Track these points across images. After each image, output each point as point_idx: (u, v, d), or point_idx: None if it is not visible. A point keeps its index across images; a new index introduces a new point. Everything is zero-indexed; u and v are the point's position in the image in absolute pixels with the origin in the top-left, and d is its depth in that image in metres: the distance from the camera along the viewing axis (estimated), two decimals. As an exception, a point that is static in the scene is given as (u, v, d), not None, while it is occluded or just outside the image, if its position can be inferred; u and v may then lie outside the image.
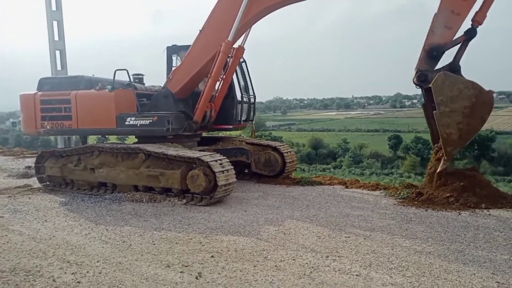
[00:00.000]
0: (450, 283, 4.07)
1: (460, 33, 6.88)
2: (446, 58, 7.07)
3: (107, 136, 11.83)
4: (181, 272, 4.43)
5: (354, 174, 46.95)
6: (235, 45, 8.65)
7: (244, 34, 8.85)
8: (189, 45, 8.98)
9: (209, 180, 7.23)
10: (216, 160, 7.37)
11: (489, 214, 6.53)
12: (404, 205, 7.18)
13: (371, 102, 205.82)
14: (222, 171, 7.24)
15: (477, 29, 6.87)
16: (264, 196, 8.20)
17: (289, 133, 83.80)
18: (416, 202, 7.27)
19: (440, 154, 7.21)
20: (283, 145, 10.22)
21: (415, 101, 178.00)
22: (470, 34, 6.77)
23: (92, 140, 15.29)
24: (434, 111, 6.60)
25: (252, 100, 10.37)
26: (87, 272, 4.47)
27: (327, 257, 4.82)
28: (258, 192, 8.59)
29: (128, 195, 7.95)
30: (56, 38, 12.93)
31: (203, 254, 4.94)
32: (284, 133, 77.59)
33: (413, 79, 7.04)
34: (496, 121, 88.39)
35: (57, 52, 12.99)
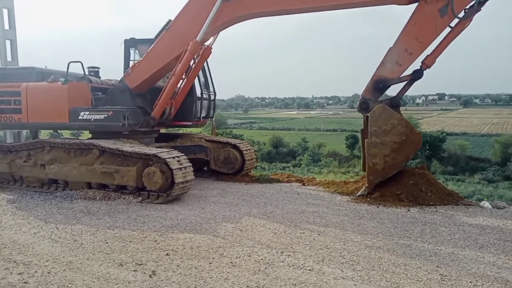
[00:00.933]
0: (398, 276, 4.26)
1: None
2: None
3: (59, 131, 11.37)
4: (134, 270, 4.35)
5: (312, 173, 47.85)
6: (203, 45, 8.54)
7: (213, 36, 8.78)
8: (149, 39, 8.82)
9: (166, 177, 7.13)
10: (173, 157, 7.27)
11: (436, 211, 6.88)
12: (357, 202, 7.42)
13: (330, 102, 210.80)
14: (180, 168, 7.16)
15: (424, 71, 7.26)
16: (223, 193, 8.20)
17: (250, 131, 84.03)
18: (368, 199, 7.53)
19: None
20: (242, 143, 10.25)
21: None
22: (417, 75, 7.13)
23: (44, 135, 14.63)
24: (366, 139, 6.86)
25: (212, 97, 10.32)
26: (35, 272, 4.29)
27: (282, 252, 4.89)
28: (217, 189, 8.57)
29: (81, 193, 7.68)
30: (7, 27, 12.24)
31: (158, 252, 4.87)
32: (245, 131, 77.71)
33: (355, 105, 7.35)
34: (446, 122, 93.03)
35: (7, 42, 12.31)
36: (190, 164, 7.52)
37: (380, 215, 6.61)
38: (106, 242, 5.23)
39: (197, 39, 7.96)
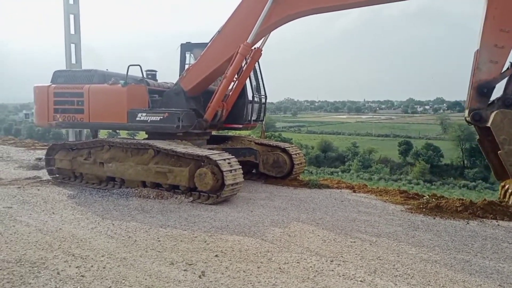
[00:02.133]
0: (456, 294, 4.01)
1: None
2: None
3: (117, 131, 11.93)
4: (184, 270, 4.44)
5: (362, 179, 46.68)
6: (253, 47, 8.63)
7: (263, 38, 8.85)
8: (203, 43, 9.01)
9: (216, 178, 7.24)
10: (224, 159, 7.37)
11: (498, 225, 6.44)
12: (411, 212, 7.11)
13: (383, 106, 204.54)
14: (230, 170, 7.24)
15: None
16: (271, 197, 8.19)
17: (298, 134, 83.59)
18: (424, 210, 7.19)
19: (508, 188, 7.11)
20: (291, 146, 10.19)
21: (427, 107, 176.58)
22: None
23: (103, 134, 15.44)
24: (499, 151, 6.30)
25: (263, 100, 10.36)
26: (92, 266, 4.50)
27: (331, 261, 4.78)
28: (265, 193, 8.58)
29: (136, 191, 7.99)
30: (72, 31, 13.06)
31: (207, 253, 4.94)
32: (293, 135, 77.42)
33: (465, 118, 6.77)
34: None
35: (72, 46, 13.12)
36: (240, 167, 7.59)
37: (436, 227, 6.28)
38: (159, 240, 5.38)
39: (248, 41, 8.04)
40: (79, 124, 9.39)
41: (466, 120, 6.91)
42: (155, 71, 10.31)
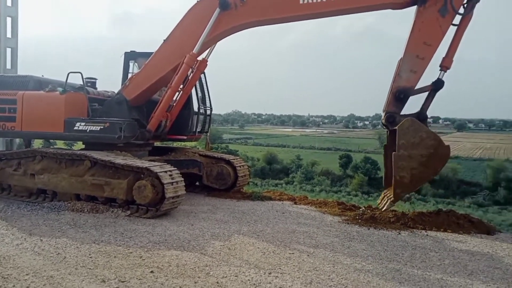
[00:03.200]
0: (386, 302, 4.18)
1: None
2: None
3: (51, 141, 11.29)
4: (116, 287, 4.24)
5: (304, 190, 47.68)
6: (199, 58, 8.62)
7: (209, 48, 8.83)
8: (148, 53, 8.85)
9: (156, 191, 7.04)
10: (165, 171, 7.20)
11: (427, 235, 6.83)
12: (348, 223, 7.36)
13: (326, 121, 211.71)
14: (171, 183, 7.08)
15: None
16: (213, 210, 8.11)
17: (245, 146, 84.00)
18: (359, 221, 7.47)
19: (388, 195, 7.48)
20: (236, 158, 10.20)
21: (367, 122, 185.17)
22: (438, 85, 7.11)
23: (38, 144, 14.51)
24: (393, 152, 6.76)
25: (208, 112, 10.30)
26: (13, 286, 4.17)
27: (269, 273, 4.81)
28: (208, 205, 8.48)
29: (69, 204, 7.56)
30: (9, 35, 12.23)
31: (143, 269, 4.77)
32: (240, 147, 77.66)
33: (381, 120, 7.23)
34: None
35: (8, 50, 12.28)
36: (182, 179, 7.44)
37: (370, 237, 6.55)
38: (90, 257, 5.11)
39: (193, 51, 7.97)
40: (10, 133, 8.77)
41: (382, 123, 7.37)
42: (95, 79, 9.91)
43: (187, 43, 8.01)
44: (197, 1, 8.02)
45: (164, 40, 8.39)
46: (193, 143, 12.50)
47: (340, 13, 7.35)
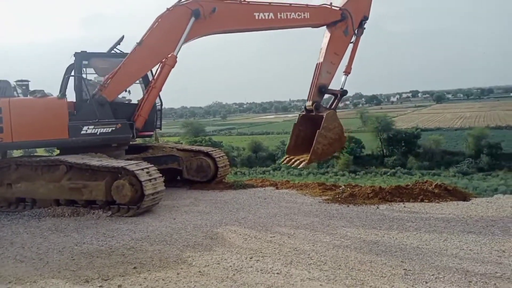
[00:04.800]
0: (363, 274, 4.34)
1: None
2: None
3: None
4: (100, 286, 4.30)
5: (292, 175, 48.17)
6: None
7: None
8: (101, 53, 9.08)
9: (135, 189, 7.05)
10: (142, 169, 7.20)
11: (404, 207, 7.05)
12: (328, 203, 7.52)
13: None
14: (149, 180, 7.09)
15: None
16: (195, 202, 8.17)
17: (229, 137, 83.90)
18: (339, 199, 7.65)
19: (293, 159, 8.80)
20: (215, 150, 10.25)
21: (347, 102, 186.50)
22: (344, 93, 9.27)
23: (17, 153, 14.26)
24: (318, 130, 8.33)
25: (158, 107, 10.21)
26: (-4, 295, 4.19)
27: (251, 258, 4.92)
28: (190, 199, 8.54)
29: (49, 210, 7.52)
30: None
31: (125, 266, 4.82)
32: (224, 138, 77.59)
33: (305, 106, 9.05)
34: (420, 119, 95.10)
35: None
36: (161, 175, 7.46)
37: (349, 214, 6.73)
38: (73, 259, 5.14)
39: (174, 53, 8.55)
40: None
41: (305, 108, 9.09)
42: (28, 81, 9.28)
43: (164, 45, 8.65)
44: (169, 9, 8.57)
45: (137, 43, 8.61)
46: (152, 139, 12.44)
47: (282, 27, 9.43)
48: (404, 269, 4.41)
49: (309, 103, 9.07)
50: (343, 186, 8.64)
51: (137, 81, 9.33)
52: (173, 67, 8.75)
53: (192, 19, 8.46)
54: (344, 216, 6.60)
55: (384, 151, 64.87)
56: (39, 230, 6.60)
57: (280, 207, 7.39)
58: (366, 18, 9.46)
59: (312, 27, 9.49)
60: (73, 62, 9.05)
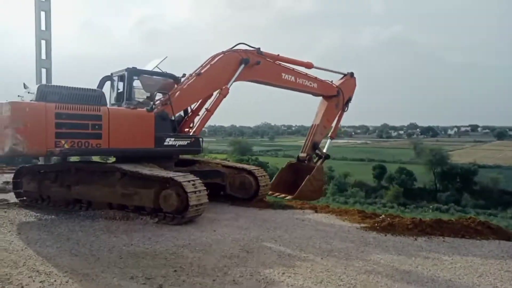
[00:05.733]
0: (391, 300, 4.41)
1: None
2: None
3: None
4: (143, 283, 4.71)
5: (338, 202, 47.25)
6: None
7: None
8: (148, 70, 10.21)
9: (181, 200, 7.53)
10: (189, 181, 7.68)
11: (443, 241, 6.94)
12: (365, 230, 7.56)
13: (358, 131, 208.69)
14: (194, 192, 7.54)
15: None
16: (236, 217, 8.51)
17: (276, 158, 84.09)
18: (378, 228, 7.66)
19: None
20: (257, 169, 10.60)
21: (401, 132, 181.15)
22: (327, 157, 12.40)
23: (74, 158, 15.47)
24: (308, 176, 11.18)
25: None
26: (55, 280, 4.72)
27: (283, 273, 5.14)
28: (230, 213, 8.90)
29: (102, 212, 8.18)
30: (44, 56, 13.28)
31: (167, 269, 5.22)
32: (270, 158, 77.97)
33: (298, 156, 12.31)
34: (479, 154, 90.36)
35: (43, 70, 13.32)
36: (205, 188, 7.90)
37: (386, 243, 6.74)
38: (121, 258, 5.63)
39: (227, 86, 10.15)
40: (94, 150, 8.32)
41: (298, 157, 12.25)
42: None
43: (218, 80, 10.20)
44: (225, 52, 10.29)
45: (197, 73, 10.01)
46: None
47: (296, 90, 11.83)
48: (433, 301, 4.44)
49: (303, 154, 12.14)
50: (383, 216, 8.62)
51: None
52: (225, 97, 10.20)
53: (242, 65, 10.25)
54: (380, 244, 6.63)
55: (438, 185, 62.11)
56: (92, 229, 7.22)
57: (316, 230, 7.54)
58: (350, 98, 12.72)
59: (313, 95, 12.41)
60: (108, 74, 10.30)
